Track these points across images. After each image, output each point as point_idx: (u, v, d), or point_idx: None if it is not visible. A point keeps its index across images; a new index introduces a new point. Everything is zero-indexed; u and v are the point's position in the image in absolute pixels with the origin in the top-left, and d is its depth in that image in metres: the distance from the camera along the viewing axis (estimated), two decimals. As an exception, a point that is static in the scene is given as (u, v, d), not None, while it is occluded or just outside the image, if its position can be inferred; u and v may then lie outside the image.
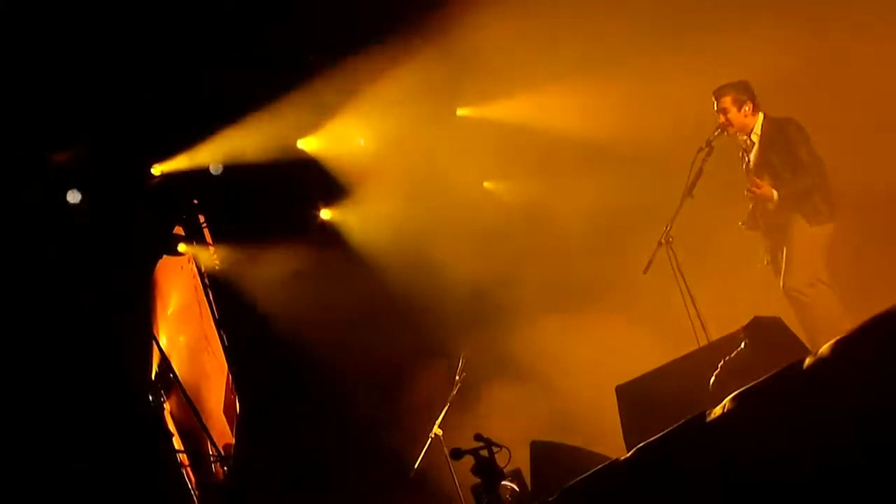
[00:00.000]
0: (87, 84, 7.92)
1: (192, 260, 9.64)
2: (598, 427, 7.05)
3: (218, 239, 9.63)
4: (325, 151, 9.73)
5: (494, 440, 5.12)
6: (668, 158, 7.46)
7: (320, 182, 9.85)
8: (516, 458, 5.77)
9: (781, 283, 6.53)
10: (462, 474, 6.59)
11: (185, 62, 8.25)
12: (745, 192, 6.68)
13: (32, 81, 7.67)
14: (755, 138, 6.70)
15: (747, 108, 6.65)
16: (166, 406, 8.90)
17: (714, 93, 6.73)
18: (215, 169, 9.21)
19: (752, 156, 6.71)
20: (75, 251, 8.01)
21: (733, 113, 6.67)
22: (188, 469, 8.83)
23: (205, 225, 9.69)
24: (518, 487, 6.55)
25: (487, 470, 5.05)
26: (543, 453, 6.29)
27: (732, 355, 5.63)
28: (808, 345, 5.66)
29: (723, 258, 7.47)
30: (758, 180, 6.56)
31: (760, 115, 6.69)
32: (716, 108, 6.72)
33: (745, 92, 6.67)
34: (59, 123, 8.12)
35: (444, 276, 9.29)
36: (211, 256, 9.56)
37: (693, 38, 7.53)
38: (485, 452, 5.07)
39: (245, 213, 9.56)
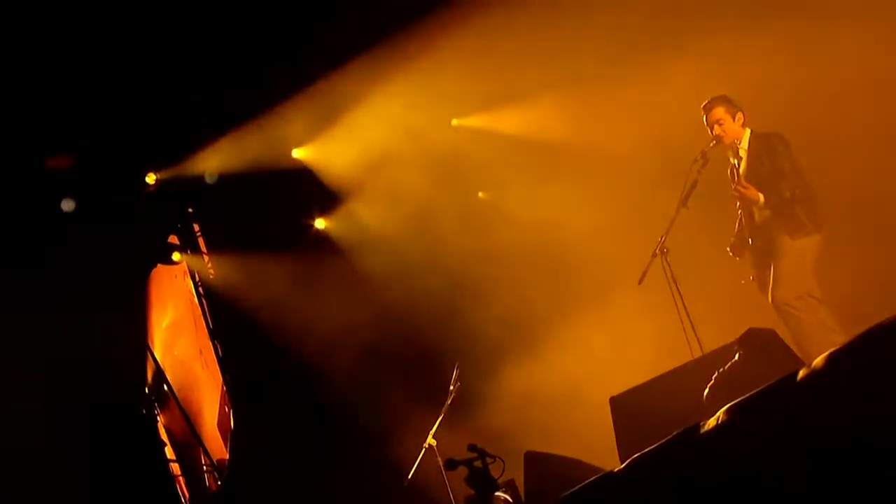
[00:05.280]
0: (82, 91, 7.91)
1: (186, 271, 9.62)
2: (592, 438, 7.04)
3: (213, 248, 9.62)
4: (319, 161, 9.73)
5: (488, 451, 5.11)
6: (664, 169, 7.47)
7: (315, 191, 9.85)
8: (510, 469, 5.76)
9: (770, 298, 6.54)
10: (456, 485, 6.59)
11: (180, 70, 8.25)
12: (732, 192, 6.71)
13: (27, 88, 7.67)
14: (743, 153, 6.74)
15: (739, 117, 6.70)
16: (160, 418, 8.88)
17: (704, 107, 6.75)
18: (210, 177, 9.22)
19: (741, 170, 6.75)
20: (69, 259, 8.00)
21: (728, 123, 6.69)
22: (181, 480, 8.80)
23: (199, 234, 9.67)
24: (512, 498, 6.54)
25: (481, 481, 5.04)
26: (537, 464, 6.29)
27: (727, 367, 5.64)
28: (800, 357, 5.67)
29: (718, 269, 7.47)
30: (745, 182, 6.60)
31: (748, 131, 6.74)
32: (706, 121, 6.75)
33: (733, 104, 6.72)
34: (54, 131, 8.12)
35: (438, 285, 9.29)
36: (205, 266, 9.55)
37: (688, 47, 7.55)
38: (479, 463, 5.06)
39: (240, 222, 9.55)
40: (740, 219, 6.87)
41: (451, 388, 7.39)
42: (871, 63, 6.91)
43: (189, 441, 9.09)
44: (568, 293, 8.78)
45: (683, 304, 6.69)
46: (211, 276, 9.54)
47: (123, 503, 7.80)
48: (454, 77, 8.79)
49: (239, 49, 8.39)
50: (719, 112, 6.70)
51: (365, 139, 9.40)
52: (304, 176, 9.74)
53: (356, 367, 9.19)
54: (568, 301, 8.73)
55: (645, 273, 6.82)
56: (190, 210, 9.62)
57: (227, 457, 9.26)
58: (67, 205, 8.42)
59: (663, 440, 3.95)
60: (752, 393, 3.69)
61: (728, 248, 6.93)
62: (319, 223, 10.06)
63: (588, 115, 8.54)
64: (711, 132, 6.73)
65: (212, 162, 9.12)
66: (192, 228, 9.65)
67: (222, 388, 9.59)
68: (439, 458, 6.94)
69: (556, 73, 8.44)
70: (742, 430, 3.59)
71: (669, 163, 7.25)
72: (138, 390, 8.63)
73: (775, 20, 7.16)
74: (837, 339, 5.50)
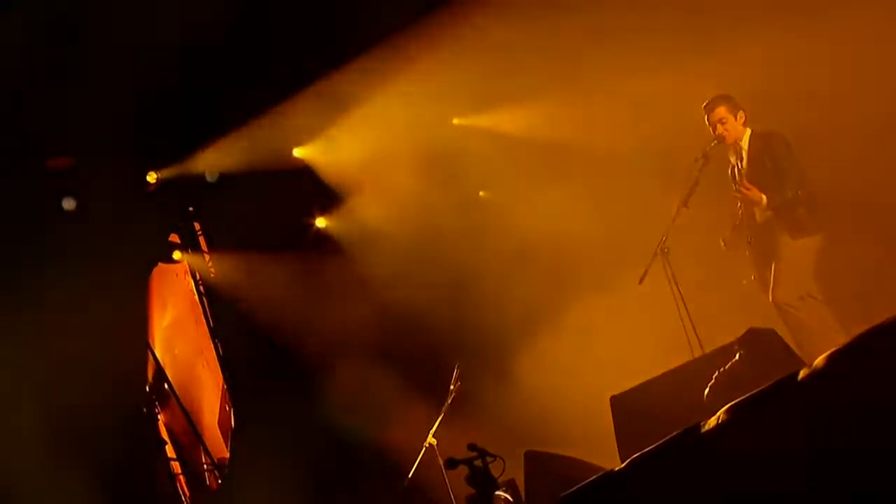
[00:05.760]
0: (83, 90, 7.91)
1: (187, 270, 9.63)
2: (593, 437, 7.04)
3: (213, 247, 9.62)
4: (320, 160, 9.73)
5: (489, 450, 5.11)
6: (666, 168, 7.47)
7: (316, 190, 9.85)
8: (510, 468, 5.76)
9: (770, 298, 6.55)
10: (456, 484, 6.59)
11: (181, 69, 8.25)
12: (734, 192, 6.71)
13: (28, 87, 7.67)
14: (744, 153, 6.75)
15: (741, 116, 6.71)
16: (160, 417, 8.88)
17: (705, 107, 6.77)
18: (211, 176, 9.22)
19: (743, 170, 6.75)
20: (70, 258, 8.00)
21: (731, 122, 6.71)
22: (181, 479, 8.80)
23: (200, 233, 9.67)
24: (512, 498, 6.54)
25: (481, 480, 5.03)
26: (538, 463, 6.29)
27: (727, 367, 5.64)
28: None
29: (718, 269, 7.47)
30: (747, 183, 6.60)
31: (748, 130, 6.74)
32: (708, 121, 6.76)
33: (734, 102, 6.73)
34: (55, 130, 8.12)
35: (439, 284, 9.29)
36: (206, 264, 9.55)
37: (689, 46, 7.55)
38: (479, 462, 5.05)
39: (241, 221, 9.55)
40: (740, 216, 6.86)
41: (452, 387, 7.39)
42: (871, 62, 6.91)
43: (190, 440, 9.10)
44: (568, 292, 8.77)
45: (684, 303, 6.70)
46: (211, 275, 9.54)
47: (124, 502, 7.80)
48: (455, 76, 8.78)
49: (240, 48, 8.39)
50: (722, 111, 6.71)
51: (366, 138, 9.39)
52: (305, 175, 9.74)
53: (356, 366, 9.19)
54: (568, 300, 8.73)
55: (646, 273, 6.83)
56: (191, 209, 9.62)
57: (228, 456, 9.26)
58: (68, 204, 8.43)
59: (664, 440, 3.95)
60: (752, 393, 3.68)
61: (721, 240, 6.91)
62: (320, 222, 10.05)
63: (589, 115, 8.54)
64: (714, 132, 6.74)
65: (213, 161, 9.12)
66: (193, 227, 9.65)
67: (222, 387, 9.59)
68: (440, 458, 6.94)
69: (557, 72, 8.43)
70: (742, 430, 3.59)
71: (670, 163, 7.26)
72: (139, 389, 8.62)
73: (776, 20, 7.17)
74: (838, 338, 5.49)
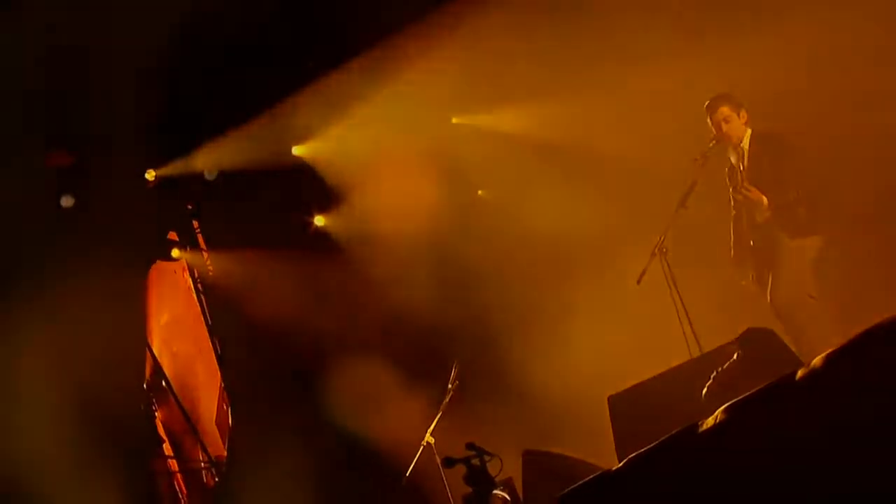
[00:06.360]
0: (82, 88, 7.91)
1: (185, 268, 9.63)
2: (590, 437, 7.04)
3: (212, 245, 9.62)
4: (320, 158, 9.73)
5: (486, 449, 5.11)
6: (664, 168, 7.47)
7: (315, 189, 9.85)
8: (508, 467, 5.76)
9: (769, 298, 6.54)
10: (454, 483, 6.59)
11: (180, 67, 8.25)
12: (735, 194, 6.70)
13: (28, 85, 7.67)
14: (745, 154, 6.74)
15: (743, 115, 6.70)
16: (158, 414, 8.88)
17: (707, 107, 6.74)
18: (210, 174, 9.22)
19: (743, 170, 6.75)
20: (68, 255, 8.00)
21: (735, 120, 6.69)
22: (179, 476, 8.80)
23: (199, 231, 9.67)
24: (509, 497, 6.54)
25: (479, 479, 5.04)
26: (535, 463, 6.29)
27: (725, 366, 5.63)
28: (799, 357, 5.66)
29: (717, 269, 7.47)
30: (748, 184, 6.59)
31: (749, 130, 6.73)
32: (711, 121, 6.74)
33: (736, 101, 6.71)
34: (56, 127, 8.12)
35: (438, 283, 9.29)
36: (204, 262, 9.55)
37: (688, 46, 7.56)
38: (477, 461, 5.06)
39: (239, 220, 9.56)
40: (735, 225, 6.83)
41: (450, 386, 7.39)
42: (872, 62, 6.91)
43: (187, 437, 9.10)
44: (566, 292, 8.77)
45: (682, 303, 6.69)
46: (210, 274, 9.54)
47: (122, 500, 7.80)
48: (455, 76, 8.79)
49: (239, 46, 8.39)
50: (725, 110, 6.68)
51: (365, 137, 9.40)
52: (304, 173, 9.75)
53: (354, 365, 9.19)
54: (566, 300, 8.73)
55: (643, 273, 6.83)
56: (190, 207, 9.62)
57: (225, 454, 9.26)
58: (67, 201, 8.43)
59: (661, 439, 3.95)
60: (750, 393, 3.68)
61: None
62: (319, 221, 10.05)
63: (588, 115, 8.55)
64: (718, 131, 6.70)
65: (212, 159, 9.13)
66: (192, 225, 9.65)
67: (220, 385, 9.59)
68: (437, 456, 6.94)
69: (557, 72, 8.44)
70: (740, 430, 3.59)
71: (669, 163, 7.26)
72: (137, 387, 8.62)
73: (776, 20, 7.17)
74: (836, 339, 5.49)
